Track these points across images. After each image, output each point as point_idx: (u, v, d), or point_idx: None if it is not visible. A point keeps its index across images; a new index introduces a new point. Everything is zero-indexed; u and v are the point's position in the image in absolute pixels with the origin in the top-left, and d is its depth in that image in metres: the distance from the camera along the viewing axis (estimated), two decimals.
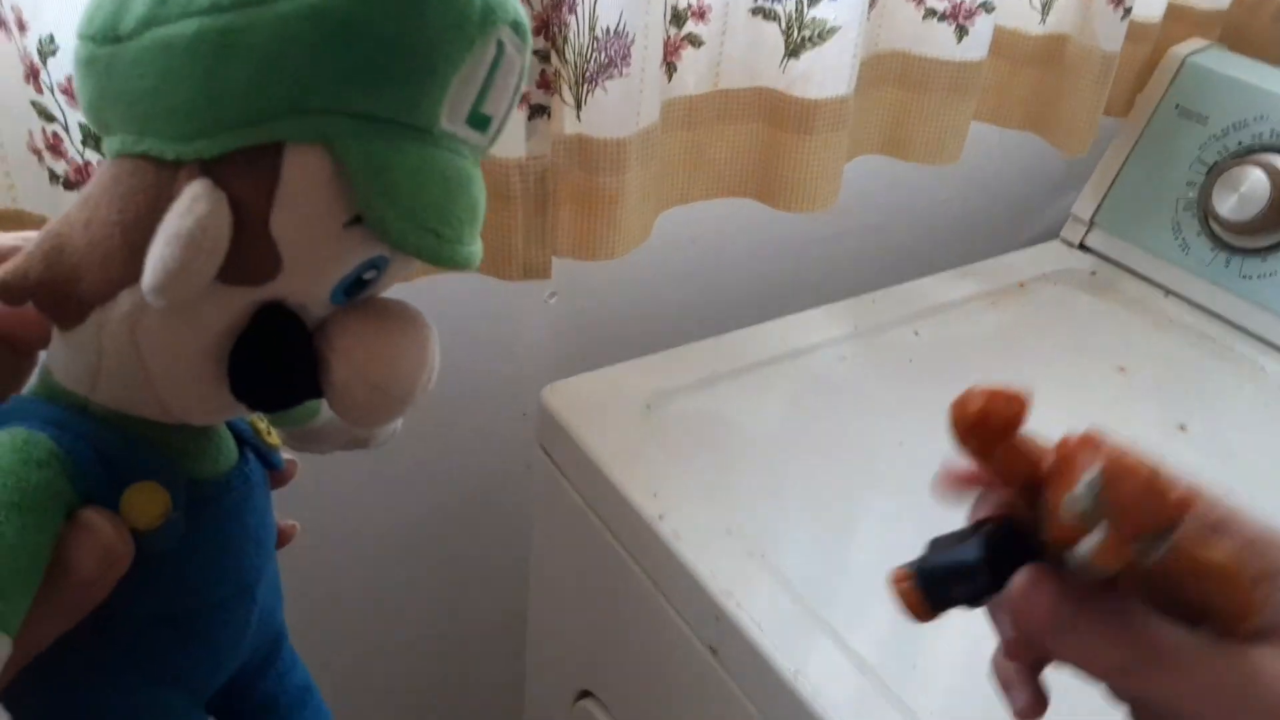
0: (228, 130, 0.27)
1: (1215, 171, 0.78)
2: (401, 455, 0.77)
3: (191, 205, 0.27)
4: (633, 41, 0.58)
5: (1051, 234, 0.89)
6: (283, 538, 0.40)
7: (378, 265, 0.32)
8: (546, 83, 0.59)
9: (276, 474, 0.39)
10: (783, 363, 0.71)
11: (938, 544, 0.29)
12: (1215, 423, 0.69)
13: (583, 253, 0.63)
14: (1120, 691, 0.28)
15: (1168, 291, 0.80)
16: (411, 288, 0.64)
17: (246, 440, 0.36)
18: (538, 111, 0.60)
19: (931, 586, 0.28)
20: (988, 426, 0.27)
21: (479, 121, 0.31)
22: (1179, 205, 0.81)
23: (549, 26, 0.58)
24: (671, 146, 0.68)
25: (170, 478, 0.31)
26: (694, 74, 0.67)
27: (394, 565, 0.82)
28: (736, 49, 0.67)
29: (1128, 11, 0.76)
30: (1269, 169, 0.75)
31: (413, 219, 0.29)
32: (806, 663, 0.48)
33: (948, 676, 0.51)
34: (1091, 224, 0.85)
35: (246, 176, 0.28)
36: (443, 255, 0.30)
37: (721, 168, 0.71)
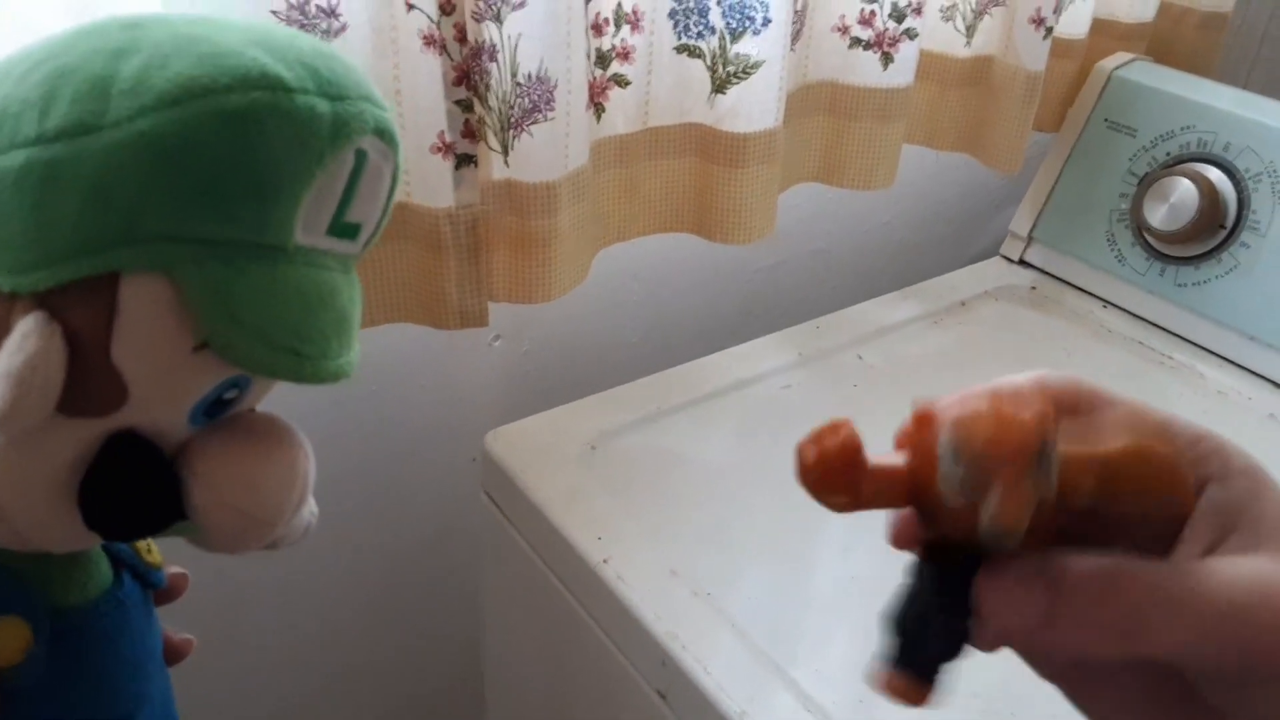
0: (61, 262, 0.27)
1: (1146, 183, 0.79)
2: (349, 509, 0.76)
3: (22, 342, 0.26)
4: (555, 86, 0.59)
5: (994, 251, 0.90)
6: (177, 654, 0.38)
7: (239, 384, 0.31)
8: (471, 131, 0.59)
9: (161, 591, 0.37)
10: (728, 395, 0.71)
11: (889, 619, 0.27)
12: None
13: (520, 296, 0.63)
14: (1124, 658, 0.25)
15: (1106, 303, 0.81)
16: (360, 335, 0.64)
17: (124, 560, 0.35)
18: (464, 161, 0.60)
19: (912, 662, 0.26)
20: (832, 467, 0.25)
21: (344, 231, 0.30)
22: (1113, 217, 0.82)
23: (470, 75, 0.58)
24: (605, 186, 0.68)
25: (31, 609, 0.30)
26: (623, 114, 0.67)
27: (346, 617, 0.81)
28: (663, 87, 0.68)
29: (1049, 31, 0.77)
30: (1197, 178, 0.76)
31: (265, 340, 0.28)
32: (753, 703, 0.48)
33: (896, 712, 0.50)
34: (1030, 239, 0.86)
35: (84, 307, 0.27)
36: (304, 373, 0.29)
37: (657, 204, 0.72)
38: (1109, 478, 0.24)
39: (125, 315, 0.27)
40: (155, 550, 0.37)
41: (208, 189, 0.27)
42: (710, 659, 0.50)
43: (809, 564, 0.58)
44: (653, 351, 0.79)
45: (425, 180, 0.57)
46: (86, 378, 0.27)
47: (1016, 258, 0.87)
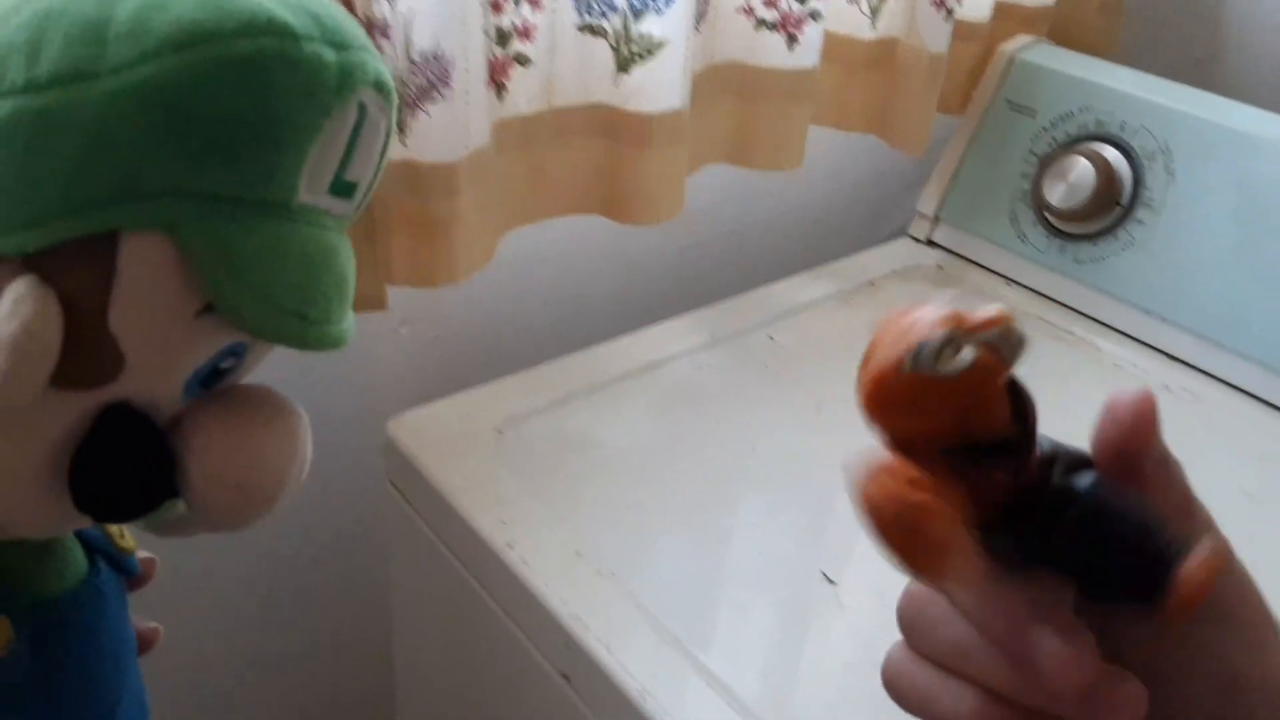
0: (54, 220, 0.25)
1: (1045, 162, 0.81)
2: None
3: (15, 307, 0.24)
4: (452, 64, 0.58)
5: (905, 231, 0.91)
6: (145, 644, 0.37)
7: (237, 352, 0.30)
8: None
9: (133, 579, 0.36)
10: (638, 377, 0.71)
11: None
12: (1057, 401, 0.71)
13: (420, 280, 0.62)
14: None
15: (1009, 280, 0.83)
16: None
17: (96, 547, 0.33)
18: None
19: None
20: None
21: (343, 189, 0.29)
22: (1014, 197, 0.83)
23: None
24: (508, 167, 0.67)
25: (10, 602, 0.28)
26: (525, 93, 0.66)
27: (252, 616, 0.79)
28: (567, 66, 0.67)
29: (950, 13, 0.78)
30: (1094, 157, 0.78)
31: (271, 303, 0.27)
32: (656, 681, 0.48)
33: (803, 688, 0.51)
34: (936, 219, 0.88)
35: (79, 270, 0.25)
36: (309, 339, 0.28)
37: (563, 185, 0.71)
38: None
39: (125, 278, 0.25)
40: (128, 535, 0.35)
41: (214, 141, 0.25)
42: (614, 640, 0.50)
43: (718, 544, 0.59)
44: (566, 336, 0.78)
45: None
46: (81, 347, 0.25)
47: (924, 237, 0.88)
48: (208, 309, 0.27)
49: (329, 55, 0.27)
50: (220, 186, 0.26)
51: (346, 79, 0.27)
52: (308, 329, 0.28)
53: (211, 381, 0.30)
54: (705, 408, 0.69)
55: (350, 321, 0.30)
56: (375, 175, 0.31)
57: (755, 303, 0.80)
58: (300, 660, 0.84)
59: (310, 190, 0.28)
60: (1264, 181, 0.73)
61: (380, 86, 0.29)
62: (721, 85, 0.76)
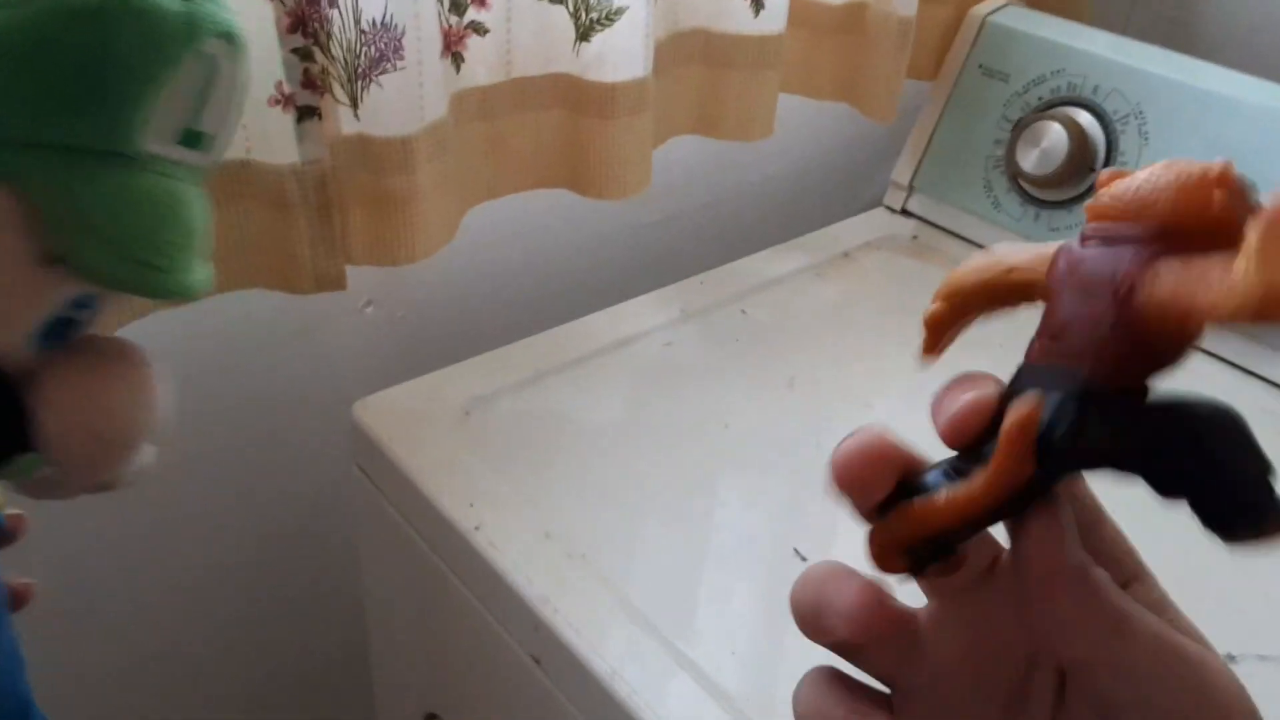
0: None
1: (1019, 128, 0.80)
2: (219, 487, 0.72)
3: None
4: (403, 33, 0.56)
5: (880, 201, 0.90)
6: (19, 599, 0.37)
7: (86, 304, 0.30)
8: (313, 82, 0.56)
9: (2, 537, 0.36)
10: (608, 354, 0.70)
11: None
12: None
13: (380, 258, 0.60)
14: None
15: (984, 249, 0.81)
16: (209, 304, 0.61)
17: None
18: (307, 113, 0.56)
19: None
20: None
21: (194, 140, 0.29)
22: (988, 164, 0.82)
23: (307, 23, 0.54)
24: (469, 140, 0.65)
25: None
26: (484, 63, 0.64)
27: (222, 605, 0.78)
28: (526, 35, 0.65)
29: None
30: (1066, 122, 0.76)
31: (116, 251, 0.27)
32: (625, 663, 0.47)
33: (773, 666, 0.50)
34: (911, 188, 0.86)
35: None
36: (156, 287, 0.28)
37: (526, 159, 0.69)
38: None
39: None
40: None
41: (56, 91, 0.26)
42: (583, 622, 0.48)
43: (690, 523, 0.57)
44: (536, 314, 0.77)
45: (265, 135, 0.54)
46: None
47: (899, 207, 0.87)
48: (52, 259, 0.27)
49: (174, 5, 0.27)
50: (62, 136, 0.26)
51: (193, 29, 0.28)
52: (155, 277, 0.28)
53: (62, 333, 0.30)
54: (677, 384, 0.68)
55: (206, 274, 0.30)
56: (231, 126, 0.31)
57: (727, 277, 0.78)
58: (270, 641, 0.83)
59: (158, 140, 0.28)
60: (1238, 143, 0.72)
61: (229, 37, 0.29)
62: (686, 53, 0.75)
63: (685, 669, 0.47)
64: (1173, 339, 0.21)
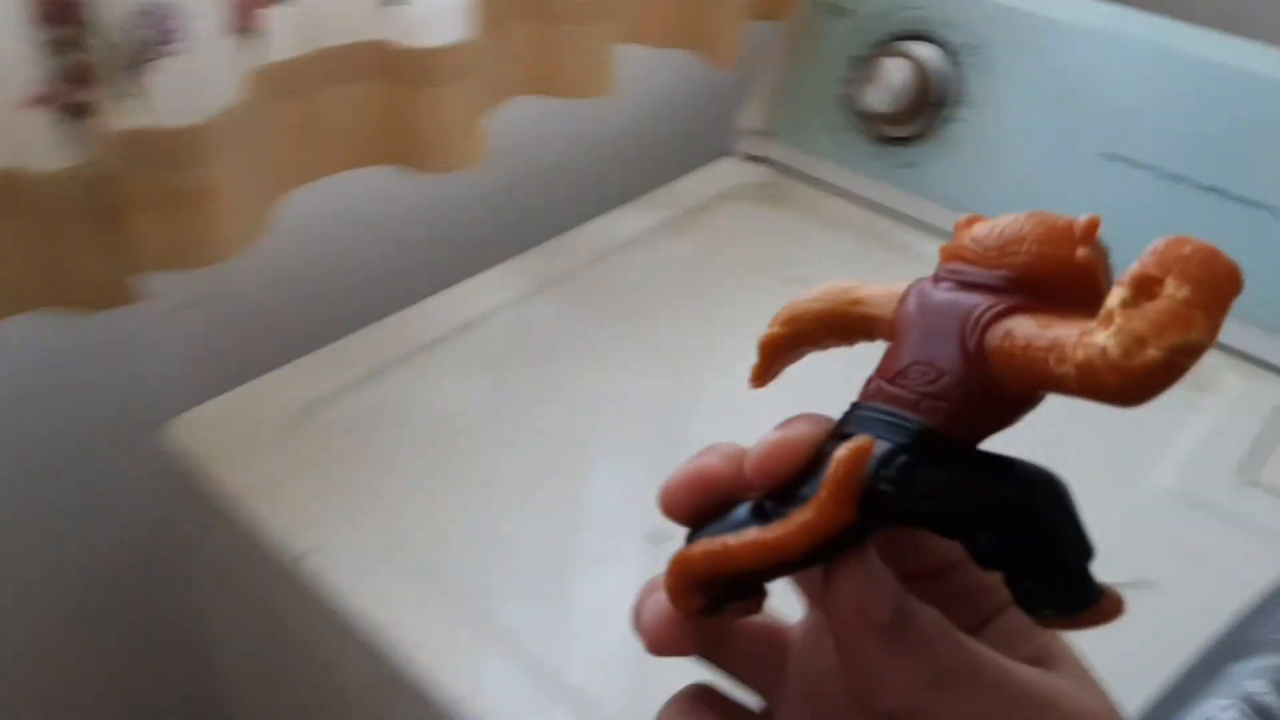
0: None
1: (862, 65, 0.78)
2: (26, 547, 0.65)
3: None
4: (179, 10, 0.49)
5: (731, 150, 0.87)
6: None
7: None
8: (79, 75, 0.49)
9: None
10: (456, 338, 0.66)
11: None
12: None
13: (176, 263, 0.55)
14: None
15: (836, 191, 0.80)
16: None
17: None
18: (76, 111, 0.50)
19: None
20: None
21: None
22: (834, 104, 0.80)
23: (64, 9, 0.48)
24: (275, 121, 0.59)
25: None
26: (288, 35, 0.58)
27: (61, 656, 0.71)
28: (328, 0, 0.59)
29: None
30: (909, 57, 0.75)
31: None
32: (475, 689, 0.44)
33: (647, 681, 0.47)
34: (761, 134, 0.84)
35: None
36: None
37: (343, 137, 0.64)
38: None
39: None
40: None
41: None
42: (427, 646, 0.45)
43: (550, 519, 0.54)
44: (375, 304, 0.71)
45: (22, 141, 0.48)
46: None
47: (750, 154, 0.84)
48: None
49: None
50: None
51: None
52: None
53: None
54: (532, 365, 0.64)
55: None
56: None
57: (578, 242, 0.75)
58: (130, 695, 0.77)
59: None
60: (1082, 69, 0.71)
61: None
62: (516, 10, 0.70)
63: (546, 689, 0.44)
64: (1017, 401, 0.20)
